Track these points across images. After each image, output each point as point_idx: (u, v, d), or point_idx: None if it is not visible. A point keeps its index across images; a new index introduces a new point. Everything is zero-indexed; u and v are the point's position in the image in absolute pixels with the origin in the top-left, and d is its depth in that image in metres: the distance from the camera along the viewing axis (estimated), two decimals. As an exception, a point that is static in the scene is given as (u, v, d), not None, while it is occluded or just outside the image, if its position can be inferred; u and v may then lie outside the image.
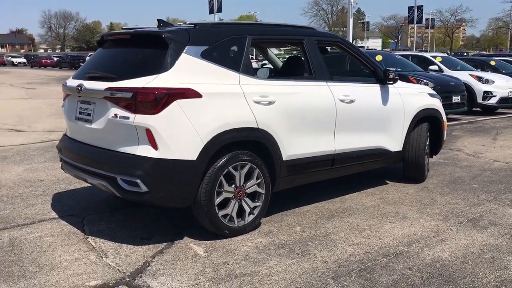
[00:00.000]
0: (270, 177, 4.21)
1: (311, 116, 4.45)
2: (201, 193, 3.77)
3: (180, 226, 4.26)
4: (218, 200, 3.86)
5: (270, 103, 4.11)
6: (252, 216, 4.11)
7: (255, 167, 4.05)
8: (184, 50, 3.79)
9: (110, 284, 3.22)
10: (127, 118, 3.62)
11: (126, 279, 3.29)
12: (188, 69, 3.77)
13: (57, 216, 4.55)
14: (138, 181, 3.58)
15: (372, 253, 3.70)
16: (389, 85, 5.29)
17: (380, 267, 3.47)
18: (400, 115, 5.36)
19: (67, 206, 4.83)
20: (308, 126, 4.44)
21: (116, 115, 3.69)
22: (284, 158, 4.25)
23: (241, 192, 4.00)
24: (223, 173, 3.85)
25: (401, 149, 5.46)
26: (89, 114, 3.98)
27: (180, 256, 3.64)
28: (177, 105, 3.61)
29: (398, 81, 5.44)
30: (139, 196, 3.66)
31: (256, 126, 3.98)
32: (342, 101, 4.73)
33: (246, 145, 4.00)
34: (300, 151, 4.39)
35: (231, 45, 4.12)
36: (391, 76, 5.16)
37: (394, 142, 5.36)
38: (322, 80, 4.64)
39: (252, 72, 4.17)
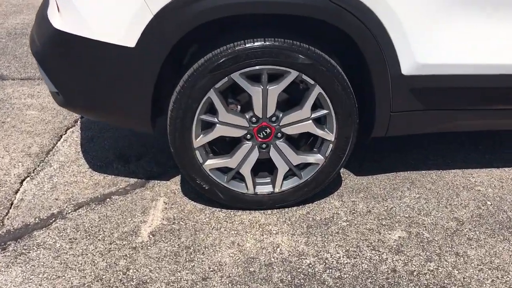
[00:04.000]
0: (361, 110, 1.85)
1: None
2: (167, 120, 1.80)
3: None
4: (202, 138, 1.83)
5: None
6: (294, 182, 1.93)
7: (312, 82, 1.76)
8: None
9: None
10: None
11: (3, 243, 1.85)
12: None
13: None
14: (39, 67, 1.88)
15: None
16: None
17: None
18: None
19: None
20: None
21: None
22: (405, 70, 1.82)
23: (268, 130, 1.82)
24: (216, 84, 1.71)
25: None
26: None
27: (113, 218, 1.99)
28: None
29: None
30: (54, 96, 1.98)
31: None
32: None
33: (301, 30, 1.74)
34: (457, 60, 1.88)
35: None
36: None
37: None
38: None
39: None
